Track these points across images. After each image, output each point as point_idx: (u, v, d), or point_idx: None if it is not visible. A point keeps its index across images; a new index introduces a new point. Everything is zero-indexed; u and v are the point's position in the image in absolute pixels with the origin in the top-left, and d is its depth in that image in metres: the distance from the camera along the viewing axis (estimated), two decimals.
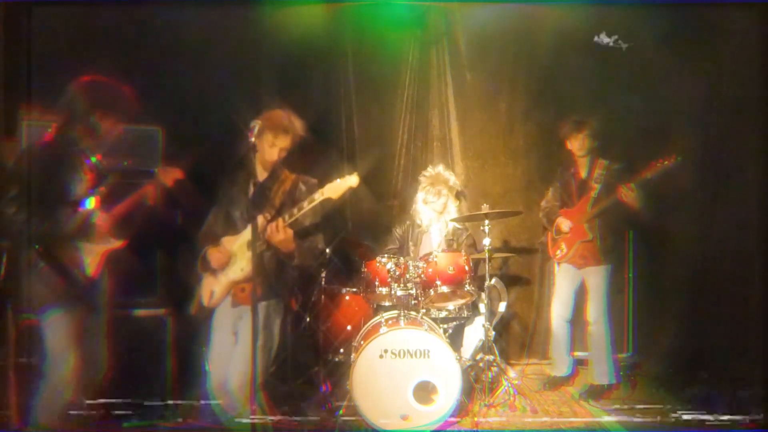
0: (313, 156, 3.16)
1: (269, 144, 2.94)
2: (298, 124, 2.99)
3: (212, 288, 2.99)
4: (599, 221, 4.03)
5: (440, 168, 4.39)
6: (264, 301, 2.94)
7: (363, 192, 3.01)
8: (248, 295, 2.81)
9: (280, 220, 2.82)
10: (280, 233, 2.81)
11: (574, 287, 4.19)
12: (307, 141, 3.23)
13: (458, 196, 4.47)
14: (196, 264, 3.05)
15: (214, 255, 2.96)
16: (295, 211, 2.84)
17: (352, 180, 2.85)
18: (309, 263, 3.07)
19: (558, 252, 4.21)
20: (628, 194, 3.77)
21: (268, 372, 3.08)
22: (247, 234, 2.84)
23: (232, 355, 2.91)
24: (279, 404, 3.38)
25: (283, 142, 2.95)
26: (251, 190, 2.97)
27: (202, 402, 3.60)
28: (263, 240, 2.85)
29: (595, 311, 4.06)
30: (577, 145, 4.09)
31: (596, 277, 4.07)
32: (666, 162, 3.71)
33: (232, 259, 2.94)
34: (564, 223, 4.14)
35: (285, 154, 3.00)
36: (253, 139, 2.74)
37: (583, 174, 4.15)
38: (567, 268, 4.21)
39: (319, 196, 2.83)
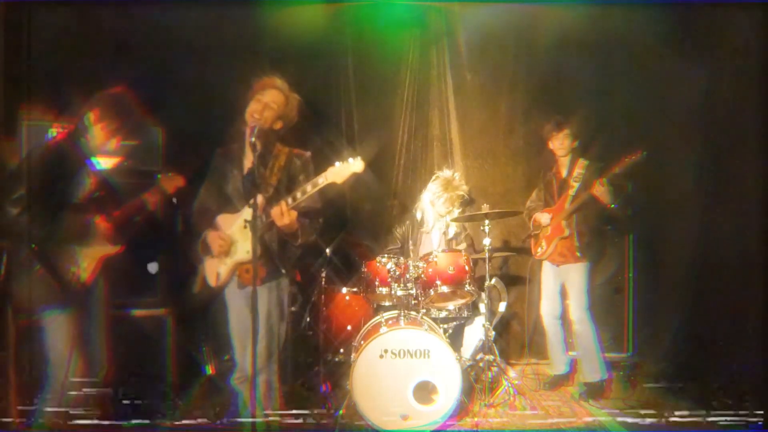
0: (313, 156, 3.13)
1: (257, 101, 2.90)
2: (281, 83, 2.93)
3: (218, 269, 2.95)
4: (576, 218, 4.07)
5: (456, 176, 4.41)
6: (271, 281, 2.92)
7: (366, 181, 2.92)
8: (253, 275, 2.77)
9: (284, 203, 2.78)
10: (285, 217, 2.77)
11: (558, 285, 4.22)
12: (308, 140, 3.24)
13: (464, 203, 4.48)
14: (197, 247, 3.02)
15: (215, 242, 2.91)
16: (299, 195, 2.79)
17: (357, 165, 2.77)
18: (311, 240, 3.03)
19: (539, 249, 4.25)
20: (599, 189, 3.82)
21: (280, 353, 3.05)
22: (246, 214, 2.77)
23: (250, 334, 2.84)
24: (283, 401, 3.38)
25: (269, 96, 2.89)
26: (246, 167, 2.92)
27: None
28: (266, 222, 2.82)
29: (577, 310, 4.07)
30: (557, 144, 4.14)
31: (575, 275, 4.09)
32: (633, 157, 3.75)
33: (233, 244, 2.91)
34: (542, 217, 4.19)
35: (272, 116, 2.90)
36: (253, 139, 2.73)
37: (564, 173, 4.20)
38: (549, 265, 4.25)
39: (323, 180, 2.78)
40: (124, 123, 2.90)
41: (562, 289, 4.20)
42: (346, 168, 2.77)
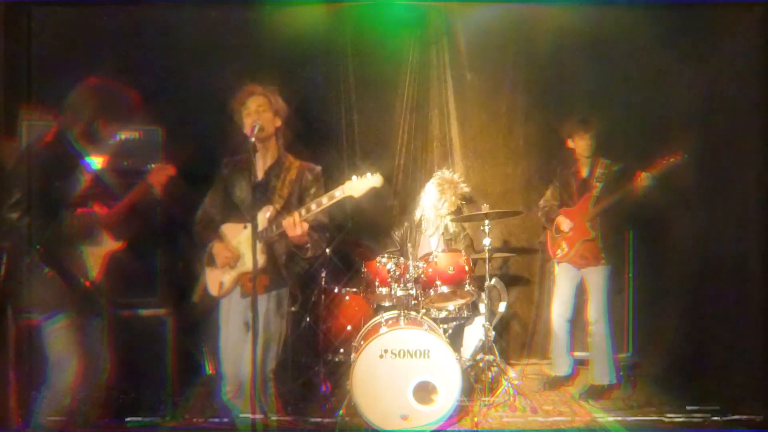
0: (314, 156, 3.13)
1: (246, 114, 2.91)
2: (256, 88, 2.94)
3: (221, 279, 2.95)
4: (600, 220, 4.03)
5: (455, 176, 4.40)
6: (274, 290, 2.92)
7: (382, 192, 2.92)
8: (259, 285, 2.78)
9: (297, 214, 2.77)
10: (297, 228, 2.76)
11: (574, 287, 4.19)
12: (308, 140, 3.24)
13: (464, 201, 4.48)
14: (202, 257, 3.01)
15: (221, 254, 2.91)
16: (314, 206, 2.78)
17: (375, 180, 2.78)
18: (319, 254, 3.04)
19: (559, 251, 4.20)
20: (644, 180, 3.74)
21: (278, 360, 3.04)
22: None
23: (245, 346, 2.83)
24: (280, 404, 3.37)
25: (254, 103, 2.90)
26: (255, 176, 2.92)
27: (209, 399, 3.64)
28: (276, 232, 2.82)
29: (595, 311, 4.06)
30: (583, 145, 4.08)
31: (597, 277, 4.07)
32: (672, 159, 3.71)
33: (240, 258, 2.90)
34: (564, 222, 4.13)
35: (268, 117, 2.91)
36: (253, 140, 2.73)
37: (585, 173, 4.14)
38: (567, 267, 4.21)
39: (340, 193, 2.77)
40: (108, 109, 2.82)
41: (578, 290, 4.19)
42: (365, 183, 2.77)
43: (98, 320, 2.87)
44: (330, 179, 3.09)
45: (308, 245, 2.88)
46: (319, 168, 3.06)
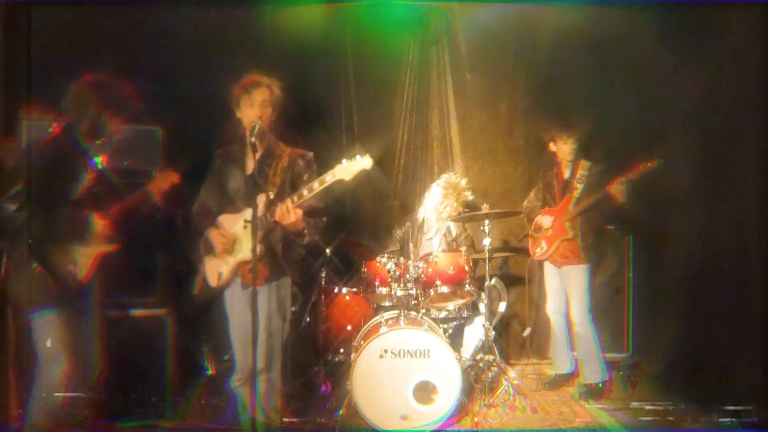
0: (314, 156, 3.13)
1: (248, 105, 2.89)
2: (263, 79, 2.92)
3: (219, 269, 2.94)
4: (581, 220, 4.06)
5: (462, 182, 4.38)
6: (274, 280, 2.92)
7: (367, 180, 2.90)
8: (259, 276, 2.77)
9: (289, 201, 2.76)
10: (291, 215, 2.75)
11: (562, 283, 4.22)
12: (308, 141, 3.24)
13: (467, 209, 4.49)
14: (199, 246, 3.01)
15: (217, 240, 2.90)
16: (305, 192, 2.77)
17: (365, 162, 2.75)
18: (315, 239, 3.02)
19: (538, 250, 4.24)
20: (618, 187, 3.77)
21: (282, 353, 3.05)
22: (248, 214, 2.74)
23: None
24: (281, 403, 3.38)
25: (260, 96, 2.88)
26: (248, 167, 2.91)
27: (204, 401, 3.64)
28: (270, 220, 2.81)
29: (578, 311, 4.07)
30: (565, 149, 4.10)
31: (577, 276, 4.08)
32: (649, 164, 3.73)
33: (237, 242, 2.90)
34: (544, 220, 4.17)
35: (269, 112, 2.90)
36: (252, 139, 2.73)
37: (566, 174, 4.18)
38: (551, 265, 4.25)
39: (330, 177, 2.75)
40: (114, 102, 2.83)
41: (565, 288, 4.20)
42: (355, 165, 2.75)
43: (86, 319, 2.85)
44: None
45: (305, 231, 2.88)
46: (311, 154, 3.04)
